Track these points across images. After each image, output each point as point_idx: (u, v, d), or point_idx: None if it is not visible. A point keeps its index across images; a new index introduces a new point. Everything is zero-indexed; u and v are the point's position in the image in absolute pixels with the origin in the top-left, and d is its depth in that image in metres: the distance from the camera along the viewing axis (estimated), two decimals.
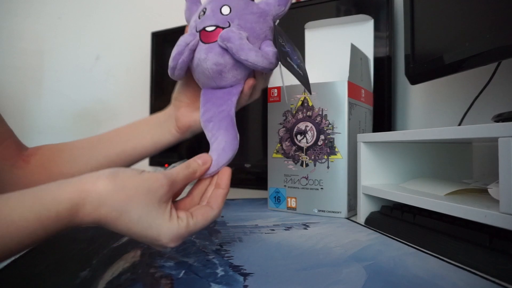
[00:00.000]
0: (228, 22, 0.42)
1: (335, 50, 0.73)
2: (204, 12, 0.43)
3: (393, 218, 0.50)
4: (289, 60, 0.45)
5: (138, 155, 0.53)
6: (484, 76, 0.61)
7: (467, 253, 0.36)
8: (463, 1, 0.53)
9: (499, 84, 0.62)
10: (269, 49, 0.43)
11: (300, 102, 0.62)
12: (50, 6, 1.23)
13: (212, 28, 0.41)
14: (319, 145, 0.60)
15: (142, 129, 0.54)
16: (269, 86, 0.65)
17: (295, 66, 0.45)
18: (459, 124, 0.65)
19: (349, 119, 0.59)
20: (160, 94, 1.15)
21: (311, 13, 0.88)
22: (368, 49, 0.69)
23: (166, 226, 0.31)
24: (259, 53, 0.41)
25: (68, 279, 0.32)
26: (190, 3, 0.47)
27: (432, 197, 0.43)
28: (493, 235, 0.35)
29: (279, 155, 0.64)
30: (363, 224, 0.54)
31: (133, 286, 0.30)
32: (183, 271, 0.34)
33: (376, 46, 0.72)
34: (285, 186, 0.64)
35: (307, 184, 0.61)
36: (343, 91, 0.58)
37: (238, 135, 0.43)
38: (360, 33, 0.71)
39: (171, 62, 0.43)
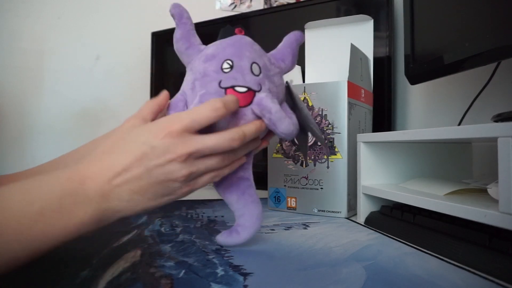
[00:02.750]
0: (260, 85, 0.38)
1: (335, 50, 0.73)
2: (231, 66, 0.37)
3: (393, 218, 0.50)
4: (311, 125, 0.43)
5: None
6: (484, 76, 0.61)
7: (467, 253, 0.36)
8: (463, 1, 0.53)
9: (498, 84, 0.62)
10: (294, 116, 0.40)
11: None
12: (50, 6, 1.23)
13: (244, 89, 0.37)
14: (319, 145, 0.60)
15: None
16: None
17: (315, 129, 0.43)
18: (459, 124, 0.65)
19: (349, 119, 0.59)
20: None
21: (311, 13, 0.88)
22: (368, 49, 0.69)
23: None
24: (291, 122, 0.38)
25: (68, 279, 0.32)
26: (186, 32, 0.40)
27: (432, 197, 0.43)
28: (493, 235, 0.36)
29: (279, 155, 0.64)
30: (363, 224, 0.54)
31: (133, 286, 0.30)
32: (183, 271, 0.34)
33: (376, 46, 0.72)
34: (285, 186, 0.64)
35: (307, 184, 0.61)
36: (343, 91, 0.58)
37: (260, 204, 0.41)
38: (360, 33, 0.71)
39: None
